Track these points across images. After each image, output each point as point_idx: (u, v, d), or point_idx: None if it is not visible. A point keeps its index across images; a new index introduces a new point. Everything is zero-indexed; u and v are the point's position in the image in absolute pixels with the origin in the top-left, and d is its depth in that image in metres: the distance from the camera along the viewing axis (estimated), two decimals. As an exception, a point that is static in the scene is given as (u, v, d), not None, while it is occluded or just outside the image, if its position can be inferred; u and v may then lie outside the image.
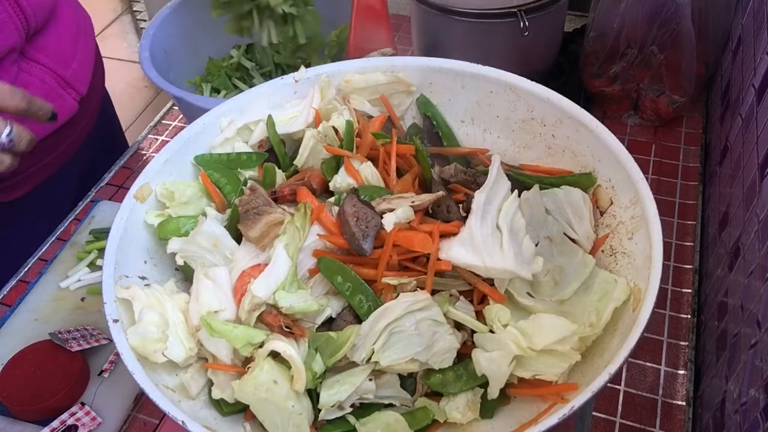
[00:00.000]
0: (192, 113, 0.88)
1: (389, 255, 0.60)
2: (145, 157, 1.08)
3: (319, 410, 0.57)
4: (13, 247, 0.96)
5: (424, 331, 0.58)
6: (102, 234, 0.92)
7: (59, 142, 0.95)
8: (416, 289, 0.59)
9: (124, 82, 2.52)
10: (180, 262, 0.64)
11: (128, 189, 0.66)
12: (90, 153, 1.06)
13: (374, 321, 0.57)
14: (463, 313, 0.59)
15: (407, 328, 0.57)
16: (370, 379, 0.58)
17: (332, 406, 0.57)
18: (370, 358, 0.57)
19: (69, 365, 0.75)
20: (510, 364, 0.55)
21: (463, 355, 0.60)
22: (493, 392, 0.57)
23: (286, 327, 0.58)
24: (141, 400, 0.76)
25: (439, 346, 0.58)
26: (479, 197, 0.60)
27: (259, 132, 0.73)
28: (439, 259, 0.59)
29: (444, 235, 0.60)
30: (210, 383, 0.61)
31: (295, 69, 0.76)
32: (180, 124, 1.13)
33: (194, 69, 1.07)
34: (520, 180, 0.68)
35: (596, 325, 0.56)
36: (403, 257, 0.61)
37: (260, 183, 0.70)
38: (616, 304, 0.56)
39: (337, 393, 0.56)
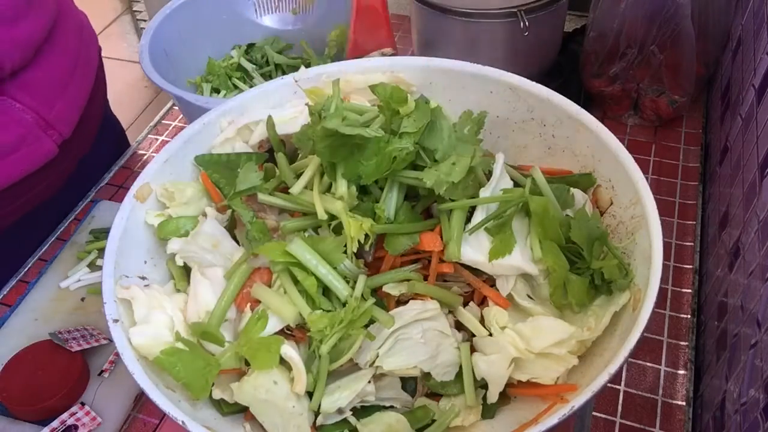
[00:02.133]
0: (192, 113, 0.88)
1: (392, 261, 0.60)
2: (145, 157, 1.08)
3: (320, 412, 0.57)
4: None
5: (429, 341, 0.58)
6: (102, 234, 0.92)
7: (31, 188, 0.89)
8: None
9: (124, 82, 2.52)
10: (180, 262, 0.64)
11: (128, 189, 0.66)
12: (78, 185, 1.01)
13: (381, 326, 0.57)
14: (471, 314, 0.60)
15: (413, 336, 0.57)
16: (370, 382, 0.57)
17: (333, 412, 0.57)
18: (373, 362, 0.57)
19: (69, 365, 0.75)
20: (509, 367, 0.55)
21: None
22: (493, 395, 0.57)
23: (287, 330, 0.58)
24: (141, 400, 0.76)
25: (444, 358, 0.58)
26: (483, 195, 0.60)
27: (259, 132, 0.73)
28: (441, 261, 0.59)
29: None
30: (210, 383, 0.61)
31: (295, 69, 0.76)
32: (180, 124, 1.13)
33: (194, 69, 1.07)
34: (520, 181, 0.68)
35: (594, 329, 0.56)
36: (406, 259, 0.61)
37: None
38: (616, 308, 0.56)
39: (338, 399, 0.56)
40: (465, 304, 0.61)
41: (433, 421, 0.58)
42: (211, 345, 0.58)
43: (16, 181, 0.84)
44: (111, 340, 0.74)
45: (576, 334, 0.55)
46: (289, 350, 0.56)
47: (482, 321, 0.60)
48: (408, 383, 0.61)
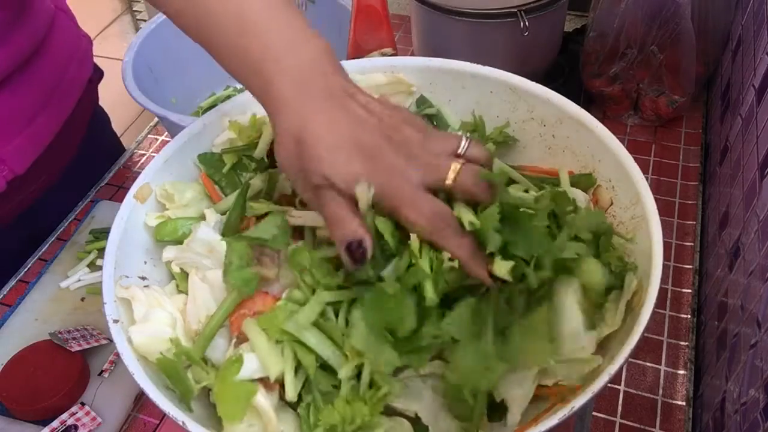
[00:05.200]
0: (177, 133, 0.85)
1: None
2: (145, 157, 1.08)
3: None
4: None
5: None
6: (102, 234, 0.92)
7: None
8: None
9: (124, 82, 2.52)
10: (176, 269, 0.64)
11: (128, 189, 0.66)
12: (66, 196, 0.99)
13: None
14: None
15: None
16: None
17: None
18: None
19: (69, 365, 0.75)
20: (534, 382, 0.53)
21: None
22: (515, 417, 0.53)
23: None
24: (141, 400, 0.76)
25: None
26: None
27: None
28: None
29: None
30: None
31: None
32: (180, 124, 1.12)
33: (181, 85, 1.02)
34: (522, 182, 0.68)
35: (613, 323, 0.55)
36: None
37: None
38: (628, 296, 0.56)
39: None
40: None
41: None
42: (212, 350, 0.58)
43: None
44: (111, 340, 0.74)
45: (598, 332, 0.54)
46: (261, 399, 0.52)
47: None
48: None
